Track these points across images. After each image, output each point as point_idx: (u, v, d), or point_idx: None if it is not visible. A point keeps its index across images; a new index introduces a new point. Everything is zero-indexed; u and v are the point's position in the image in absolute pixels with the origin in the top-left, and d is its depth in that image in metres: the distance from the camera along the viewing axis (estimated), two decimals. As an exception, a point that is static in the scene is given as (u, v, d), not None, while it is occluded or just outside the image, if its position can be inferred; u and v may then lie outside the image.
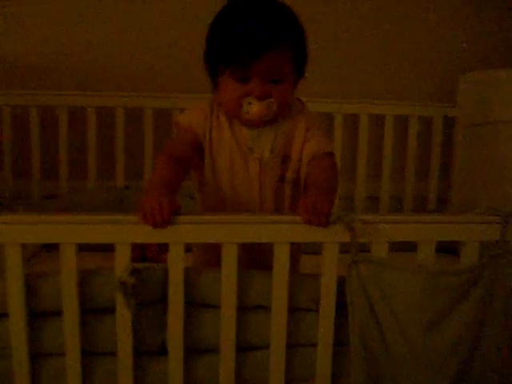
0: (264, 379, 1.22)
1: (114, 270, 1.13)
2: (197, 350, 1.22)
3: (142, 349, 1.19)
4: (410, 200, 2.30)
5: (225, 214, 1.18)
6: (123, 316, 1.14)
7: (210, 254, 1.33)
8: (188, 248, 1.19)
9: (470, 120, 2.19)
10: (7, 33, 2.15)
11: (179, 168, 1.28)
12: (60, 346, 1.16)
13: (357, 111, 2.25)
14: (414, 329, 1.18)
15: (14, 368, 1.15)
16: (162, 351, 1.20)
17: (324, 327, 1.20)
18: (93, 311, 1.17)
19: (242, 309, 1.20)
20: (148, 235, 1.11)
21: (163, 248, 1.88)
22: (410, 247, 1.23)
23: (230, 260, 1.14)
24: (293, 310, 1.21)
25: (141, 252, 1.93)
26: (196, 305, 1.20)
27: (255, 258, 1.30)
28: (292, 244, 1.16)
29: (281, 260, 1.16)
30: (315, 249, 1.22)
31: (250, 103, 1.25)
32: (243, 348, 1.21)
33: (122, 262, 1.12)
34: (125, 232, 1.11)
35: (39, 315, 1.16)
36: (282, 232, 1.15)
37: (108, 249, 1.16)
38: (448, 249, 1.35)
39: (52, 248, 1.75)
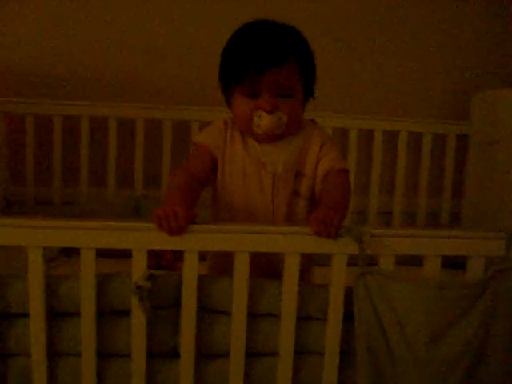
0: (271, 385, 1.26)
1: (130, 275, 1.18)
2: (208, 354, 1.25)
3: (155, 351, 1.24)
4: (423, 216, 2.33)
5: (238, 224, 1.23)
6: (138, 319, 1.19)
7: (224, 263, 1.37)
8: (203, 257, 1.23)
9: (483, 138, 2.22)
10: (17, 40, 2.23)
11: (195, 183, 1.34)
12: (76, 347, 1.21)
13: (372, 127, 2.29)
14: (418, 340, 1.21)
15: (32, 366, 1.20)
16: (175, 354, 1.24)
17: (331, 336, 1.23)
18: (109, 314, 1.22)
19: (253, 316, 1.24)
20: (164, 242, 1.16)
21: (178, 256, 1.93)
22: (416, 262, 1.27)
23: (241, 268, 1.19)
24: (301, 318, 1.24)
25: (156, 260, 1.98)
26: (208, 311, 1.24)
27: (266, 267, 1.34)
28: (303, 255, 1.21)
29: (291, 270, 1.20)
30: (327, 261, 1.25)
31: (259, 116, 1.30)
32: (252, 354, 1.25)
33: (138, 267, 1.17)
34: (142, 238, 1.16)
35: (58, 316, 1.22)
36: (292, 242, 1.19)
37: (122, 255, 1.21)
38: (455, 264, 1.38)
39: (70, 253, 1.81)
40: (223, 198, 1.42)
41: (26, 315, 1.19)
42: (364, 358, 1.22)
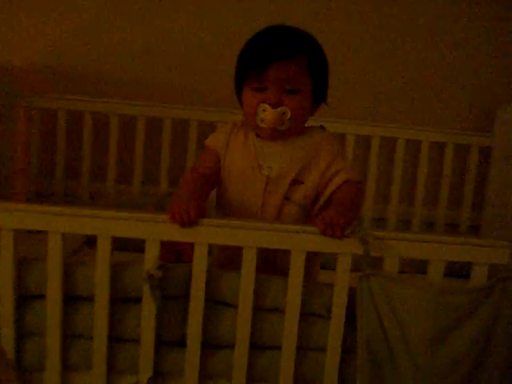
0: (274, 377, 1.30)
1: (143, 264, 1.24)
2: (213, 344, 1.30)
3: (164, 339, 1.29)
4: (442, 226, 2.34)
5: (246, 220, 1.27)
6: (149, 307, 1.24)
7: (228, 258, 1.42)
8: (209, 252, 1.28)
9: (506, 151, 2.23)
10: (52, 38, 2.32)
11: (205, 182, 1.40)
12: (89, 330, 1.27)
13: (394, 135, 2.31)
14: (418, 343, 1.24)
15: (47, 346, 1.27)
16: (182, 343, 1.29)
17: (334, 334, 1.27)
18: (121, 300, 1.28)
19: (259, 310, 1.28)
20: (175, 234, 1.22)
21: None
22: (420, 269, 1.30)
23: (249, 263, 1.23)
24: (305, 314, 1.28)
25: (177, 255, 2.04)
26: (215, 303, 1.29)
27: (273, 263, 1.38)
28: (309, 253, 1.25)
29: (296, 267, 1.24)
30: (334, 264, 1.28)
31: (264, 110, 1.34)
32: (257, 346, 1.30)
33: (150, 256, 1.23)
34: (155, 229, 1.22)
35: (73, 300, 1.28)
36: (299, 240, 1.23)
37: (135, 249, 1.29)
38: (460, 273, 1.40)
39: (94, 244, 1.88)
40: (224, 197, 1.46)
41: (43, 297, 1.26)
42: (364, 356, 1.25)
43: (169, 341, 1.30)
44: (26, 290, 1.28)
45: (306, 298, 1.27)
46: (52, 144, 2.26)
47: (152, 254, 1.23)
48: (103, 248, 1.23)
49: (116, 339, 1.30)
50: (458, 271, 1.37)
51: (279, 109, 1.34)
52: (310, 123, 1.46)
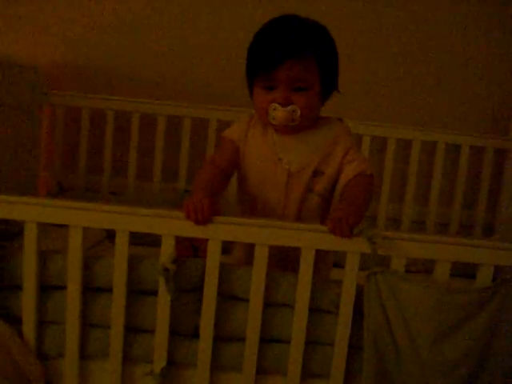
0: (282, 370, 1.35)
1: (159, 258, 1.29)
2: (225, 337, 1.36)
3: (177, 330, 1.35)
4: (456, 227, 2.36)
5: (258, 218, 1.31)
6: (164, 299, 1.30)
7: (248, 257, 1.46)
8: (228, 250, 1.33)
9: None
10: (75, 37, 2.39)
11: (221, 174, 1.43)
12: (107, 320, 1.33)
13: (410, 137, 2.33)
14: (423, 339, 1.27)
15: (66, 334, 1.33)
16: (195, 335, 1.35)
17: (341, 329, 1.31)
18: (138, 292, 1.34)
19: (269, 305, 1.33)
20: (190, 230, 1.27)
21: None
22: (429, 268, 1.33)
23: (260, 259, 1.28)
24: (314, 310, 1.33)
25: (193, 252, 2.09)
26: (228, 297, 1.34)
27: (285, 260, 1.43)
28: (321, 251, 1.29)
29: (306, 264, 1.28)
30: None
31: (274, 109, 1.37)
32: (267, 340, 1.34)
33: (166, 251, 1.28)
34: (170, 225, 1.27)
35: (92, 291, 1.34)
36: (309, 238, 1.27)
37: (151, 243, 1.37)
38: (467, 273, 1.42)
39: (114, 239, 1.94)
40: (245, 190, 1.51)
41: (63, 288, 1.32)
42: (370, 352, 1.29)
43: (182, 332, 1.36)
44: (48, 281, 1.34)
45: (316, 294, 1.31)
46: (75, 140, 2.33)
47: (167, 248, 1.28)
48: (121, 242, 1.29)
49: (132, 329, 1.35)
50: (465, 271, 1.39)
51: (289, 107, 1.37)
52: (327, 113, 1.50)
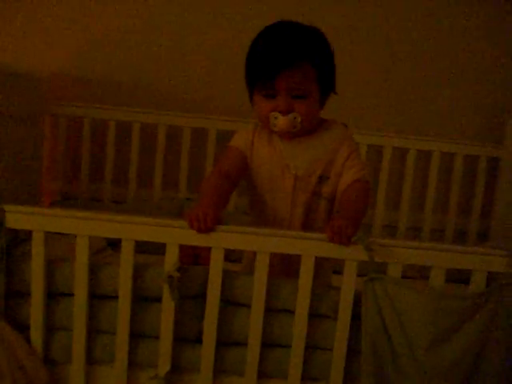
0: (283, 374, 1.39)
1: (163, 266, 1.33)
2: (227, 342, 1.40)
3: (181, 336, 1.39)
4: (451, 233, 2.41)
5: (259, 227, 1.36)
6: (168, 305, 1.34)
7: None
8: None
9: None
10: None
11: (227, 183, 1.46)
12: (112, 326, 1.37)
13: (406, 146, 2.38)
14: (419, 343, 1.32)
15: (73, 340, 1.38)
16: (198, 340, 1.39)
17: (340, 334, 1.35)
18: (143, 299, 1.38)
19: (270, 310, 1.37)
20: (193, 238, 1.31)
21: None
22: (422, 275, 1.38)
23: (262, 267, 1.33)
24: (314, 315, 1.37)
25: (194, 259, 2.13)
26: (230, 303, 1.38)
27: (288, 267, 1.47)
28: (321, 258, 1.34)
29: (306, 271, 1.33)
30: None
31: (275, 118, 1.41)
32: (268, 344, 1.39)
33: (170, 259, 1.32)
34: (174, 234, 1.32)
35: (98, 298, 1.38)
36: (308, 246, 1.32)
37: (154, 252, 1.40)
38: (461, 279, 1.47)
39: (116, 247, 1.99)
40: (254, 198, 1.55)
41: (70, 295, 1.37)
42: (368, 356, 1.34)
43: (186, 338, 1.40)
44: (55, 288, 1.38)
45: (315, 300, 1.36)
46: (77, 150, 2.37)
47: (171, 256, 1.32)
48: (127, 250, 1.33)
49: (137, 335, 1.39)
50: (459, 277, 1.44)
51: (289, 116, 1.40)
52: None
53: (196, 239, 1.31)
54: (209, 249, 1.33)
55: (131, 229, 1.32)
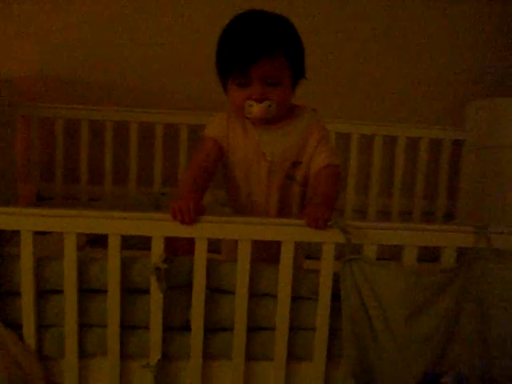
0: (269, 355, 1.45)
1: (150, 258, 1.38)
2: (215, 328, 1.45)
3: (170, 325, 1.44)
4: (418, 215, 2.51)
5: (241, 216, 1.42)
6: (156, 296, 1.39)
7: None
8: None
9: (477, 143, 2.40)
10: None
11: (205, 174, 1.50)
12: (103, 319, 1.42)
13: (373, 132, 2.47)
14: (396, 319, 1.39)
15: (65, 335, 1.42)
16: (187, 328, 1.44)
17: (321, 315, 1.42)
18: (131, 291, 1.43)
19: (254, 295, 1.43)
20: (178, 230, 1.36)
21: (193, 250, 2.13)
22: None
23: (244, 254, 1.38)
24: (296, 298, 1.43)
25: (173, 252, 2.18)
26: (215, 290, 1.44)
27: (269, 252, 1.53)
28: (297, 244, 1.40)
29: (287, 256, 1.39)
30: (318, 254, 1.43)
31: (250, 105, 1.45)
32: (253, 328, 1.45)
33: (156, 251, 1.37)
34: (159, 227, 1.36)
35: (87, 292, 1.42)
36: (288, 232, 1.38)
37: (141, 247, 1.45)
38: (432, 258, 1.55)
39: (95, 244, 2.02)
40: (230, 183, 1.60)
41: (60, 291, 1.40)
42: (349, 333, 1.41)
43: (175, 326, 1.45)
44: (45, 286, 1.42)
45: (296, 284, 1.42)
46: (51, 150, 2.40)
47: (158, 248, 1.37)
48: (114, 245, 1.37)
49: (127, 327, 1.44)
50: (430, 256, 1.52)
51: (264, 103, 1.44)
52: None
53: (180, 231, 1.36)
54: (188, 242, 1.38)
55: (117, 224, 1.36)
